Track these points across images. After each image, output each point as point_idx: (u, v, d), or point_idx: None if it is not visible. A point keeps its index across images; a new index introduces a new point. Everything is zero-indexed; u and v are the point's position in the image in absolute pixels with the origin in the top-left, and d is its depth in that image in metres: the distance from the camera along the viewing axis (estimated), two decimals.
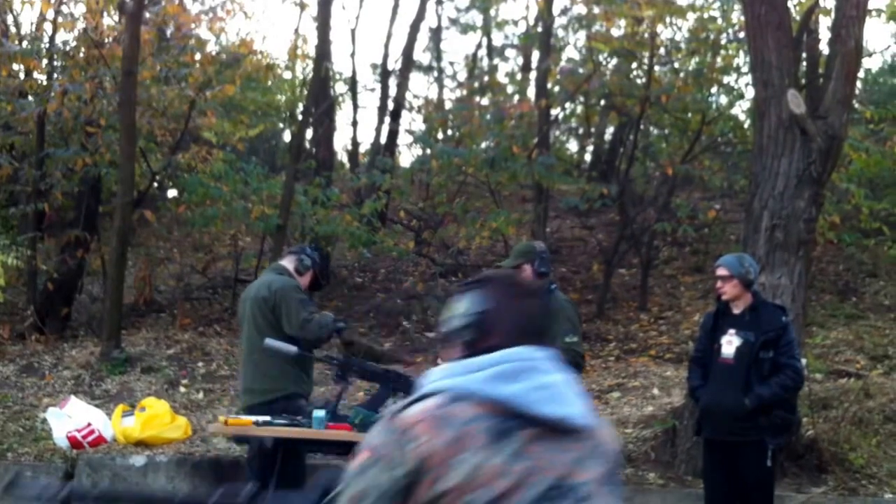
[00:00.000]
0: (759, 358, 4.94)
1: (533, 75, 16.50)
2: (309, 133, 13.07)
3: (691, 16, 11.86)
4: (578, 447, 1.75)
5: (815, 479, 6.41)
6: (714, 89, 12.26)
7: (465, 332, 1.81)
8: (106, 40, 10.21)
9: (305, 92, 13.80)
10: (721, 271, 5.09)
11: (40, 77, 10.71)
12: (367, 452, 1.73)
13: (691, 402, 6.02)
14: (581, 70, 12.63)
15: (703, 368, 5.18)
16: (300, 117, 12.59)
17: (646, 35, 11.33)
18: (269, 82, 14.53)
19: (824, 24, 8.83)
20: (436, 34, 19.09)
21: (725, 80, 12.29)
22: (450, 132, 15.39)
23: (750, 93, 11.01)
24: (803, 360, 5.39)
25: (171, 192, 12.05)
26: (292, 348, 4.91)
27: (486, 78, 18.40)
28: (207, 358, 9.13)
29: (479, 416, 1.68)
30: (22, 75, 10.56)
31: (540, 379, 1.73)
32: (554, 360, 1.79)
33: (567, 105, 14.11)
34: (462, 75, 19.95)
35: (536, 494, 1.68)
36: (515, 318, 1.81)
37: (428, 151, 12.79)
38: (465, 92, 18.48)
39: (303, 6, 14.22)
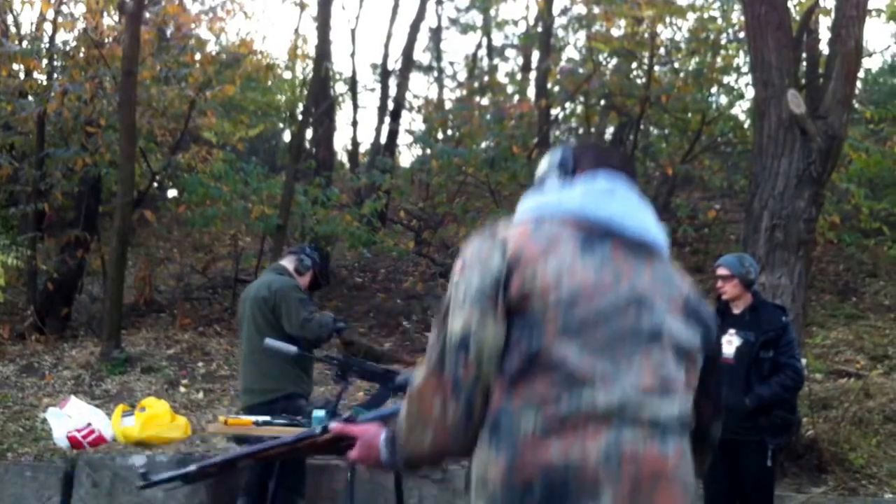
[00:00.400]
0: (759, 358, 4.94)
1: (533, 75, 16.51)
2: (309, 133, 13.07)
3: (691, 16, 11.87)
4: (653, 268, 1.88)
5: (815, 479, 6.41)
6: (714, 89, 12.27)
7: (554, 171, 1.99)
8: (106, 40, 10.20)
9: (305, 92, 13.80)
10: (721, 271, 5.10)
11: (40, 77, 10.71)
12: (462, 266, 1.84)
13: None
14: (581, 70, 12.64)
15: None
16: (300, 117, 12.59)
17: (646, 35, 11.34)
18: (269, 82, 14.54)
19: (824, 24, 8.84)
20: (436, 34, 19.12)
21: (725, 80, 12.31)
22: (450, 132, 15.40)
23: (750, 93, 11.03)
24: (803, 360, 5.39)
25: (171, 192, 12.05)
26: (292, 348, 4.91)
27: (486, 78, 18.41)
28: (207, 358, 9.12)
29: (571, 230, 1.84)
30: (22, 75, 10.56)
31: (624, 199, 1.90)
32: (633, 187, 1.96)
33: (567, 105, 14.12)
34: (462, 75, 19.98)
35: (622, 299, 1.80)
36: (597, 155, 2.01)
37: (428, 151, 12.79)
38: (465, 92, 18.49)
39: (303, 6, 14.23)
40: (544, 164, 2.04)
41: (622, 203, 1.90)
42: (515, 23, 17.91)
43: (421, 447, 1.80)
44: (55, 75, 10.60)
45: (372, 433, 1.96)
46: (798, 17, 8.63)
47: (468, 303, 1.78)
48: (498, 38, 18.94)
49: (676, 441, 1.81)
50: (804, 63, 7.70)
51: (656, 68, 11.93)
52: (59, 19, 10.76)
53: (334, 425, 2.06)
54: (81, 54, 10.33)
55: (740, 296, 5.05)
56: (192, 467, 2.27)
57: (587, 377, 1.74)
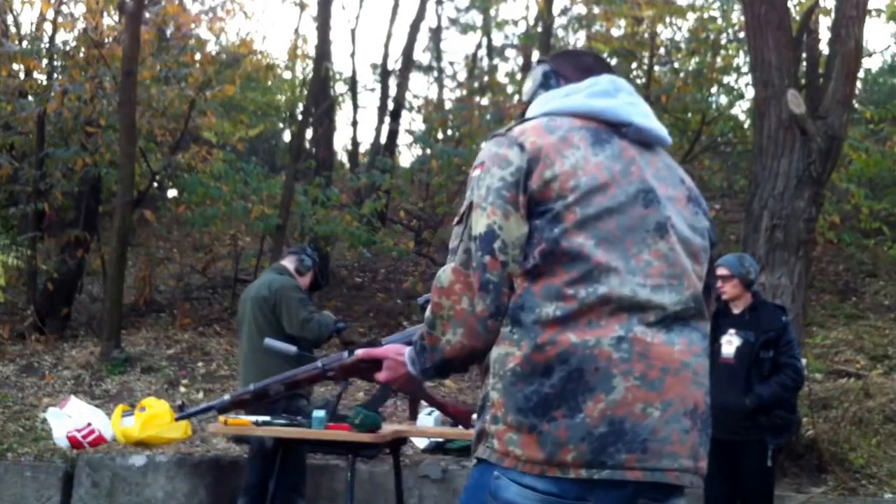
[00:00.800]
0: (759, 358, 4.94)
1: None
2: (309, 133, 13.06)
3: (691, 16, 11.86)
4: (658, 161, 1.97)
5: (815, 479, 6.41)
6: (714, 89, 12.26)
7: (543, 85, 2.07)
8: (106, 40, 10.20)
9: (305, 92, 13.79)
10: (721, 271, 5.09)
11: (40, 77, 10.71)
12: (481, 165, 1.89)
13: None
14: None
15: None
16: (300, 117, 12.59)
17: (646, 35, 11.33)
18: (269, 82, 14.53)
19: (824, 24, 8.82)
20: (436, 34, 19.11)
21: (725, 80, 12.29)
22: (450, 132, 15.39)
23: (750, 93, 11.02)
24: (803, 360, 5.39)
25: (171, 192, 12.05)
26: (292, 348, 4.91)
27: (486, 78, 18.40)
28: (207, 358, 9.12)
29: (581, 126, 1.91)
30: (22, 75, 10.55)
31: (628, 96, 1.99)
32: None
33: None
34: (462, 75, 19.96)
35: (632, 192, 1.86)
36: (578, 63, 2.09)
37: (428, 151, 12.79)
38: (465, 92, 18.48)
39: (303, 6, 14.23)
40: (529, 84, 2.11)
41: (626, 100, 1.98)
42: (515, 23, 17.90)
43: (452, 345, 1.85)
44: (55, 75, 10.60)
45: (395, 351, 2.06)
46: (798, 17, 8.63)
47: (491, 200, 1.82)
48: (498, 38, 18.95)
49: (685, 332, 1.85)
50: (804, 63, 7.69)
51: (656, 68, 11.93)
52: (59, 19, 10.76)
53: (359, 351, 2.18)
54: (81, 54, 10.33)
55: (740, 296, 5.05)
56: (226, 397, 2.41)
57: (603, 268, 1.79)
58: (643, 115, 1.98)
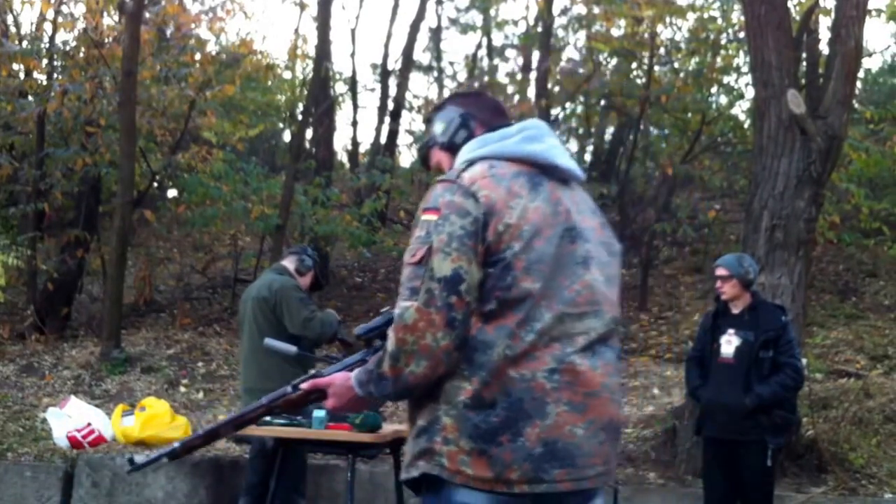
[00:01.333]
0: (759, 358, 4.94)
1: (533, 75, 16.49)
2: (309, 133, 13.06)
3: (691, 16, 11.86)
4: (578, 198, 2.22)
5: (815, 479, 6.41)
6: (714, 89, 12.26)
7: (461, 134, 2.28)
8: (106, 40, 10.20)
9: (305, 92, 13.79)
10: (720, 271, 5.09)
11: (40, 77, 10.71)
12: (437, 211, 2.07)
13: (691, 402, 6.02)
14: (581, 70, 12.64)
15: (700, 368, 5.18)
16: (300, 117, 12.58)
17: (646, 35, 11.33)
18: (269, 82, 14.53)
19: (824, 24, 8.83)
20: (436, 34, 19.10)
21: (725, 80, 12.29)
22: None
23: (750, 93, 11.02)
24: (803, 360, 5.39)
25: (171, 192, 12.04)
26: (292, 348, 4.91)
27: (486, 78, 18.39)
28: (207, 358, 9.12)
29: (519, 172, 2.13)
30: (22, 75, 10.55)
31: (551, 139, 2.22)
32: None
33: (567, 105, 14.11)
34: (462, 75, 19.94)
35: (560, 231, 2.10)
36: (486, 107, 2.33)
37: None
38: None
39: (303, 6, 14.22)
40: (443, 126, 2.31)
41: (551, 143, 2.21)
42: (515, 23, 17.89)
43: (415, 375, 2.02)
44: (55, 75, 10.59)
45: (341, 378, 2.21)
46: (798, 17, 8.63)
47: (455, 246, 2.02)
48: (498, 38, 18.93)
49: (605, 353, 2.14)
50: (804, 63, 7.69)
51: (656, 68, 11.92)
52: (59, 19, 10.76)
53: (304, 385, 2.29)
54: (81, 54, 10.33)
55: (739, 296, 5.05)
56: (176, 444, 2.41)
57: (542, 304, 2.05)
58: (564, 156, 2.21)
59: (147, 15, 9.75)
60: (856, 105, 11.02)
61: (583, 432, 2.05)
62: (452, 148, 2.29)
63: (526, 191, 2.10)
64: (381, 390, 2.09)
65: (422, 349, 2.00)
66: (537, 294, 2.04)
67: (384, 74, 16.29)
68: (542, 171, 2.16)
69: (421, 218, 2.09)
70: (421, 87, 28.41)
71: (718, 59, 11.87)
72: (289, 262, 5.70)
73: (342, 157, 17.44)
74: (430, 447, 2.05)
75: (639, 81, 12.04)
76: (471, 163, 2.16)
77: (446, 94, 20.01)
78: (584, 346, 2.09)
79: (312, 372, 2.39)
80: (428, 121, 2.39)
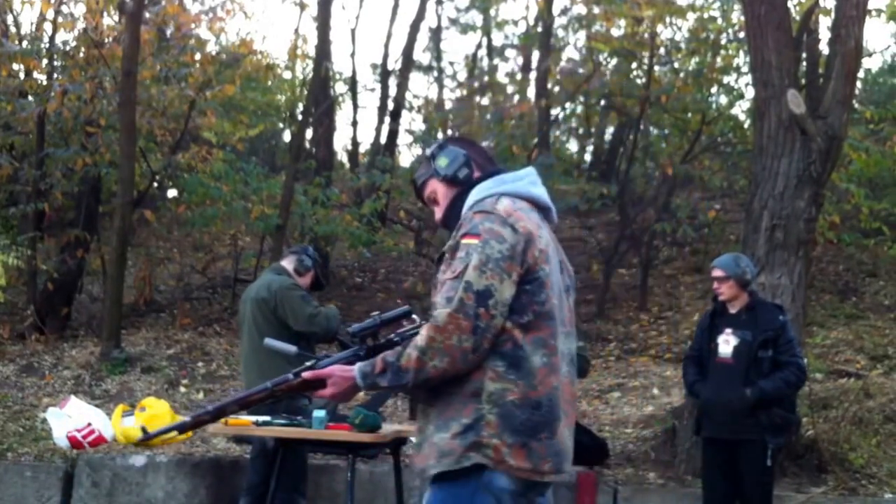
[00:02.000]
0: (757, 357, 4.94)
1: (533, 75, 16.50)
2: (309, 133, 13.06)
3: (691, 16, 11.85)
4: (552, 233, 2.58)
5: (815, 479, 6.41)
6: (714, 89, 12.25)
7: (464, 171, 2.59)
8: (106, 40, 10.19)
9: (305, 92, 13.79)
10: (717, 272, 5.08)
11: (40, 77, 10.70)
12: (478, 236, 2.40)
13: (691, 402, 6.01)
14: (581, 70, 12.63)
15: (697, 367, 5.17)
16: (300, 117, 12.59)
17: (646, 35, 11.32)
18: (269, 82, 14.53)
19: (824, 24, 8.83)
20: (436, 34, 19.11)
21: (725, 80, 12.28)
22: (450, 132, 15.39)
23: (750, 93, 11.01)
24: (803, 360, 5.38)
25: (171, 192, 12.04)
26: (292, 348, 4.89)
27: (486, 78, 18.41)
28: (207, 358, 9.12)
29: (532, 209, 2.53)
30: (22, 75, 10.54)
31: (542, 185, 2.61)
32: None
33: (567, 105, 14.10)
34: (462, 75, 19.97)
35: (556, 262, 2.52)
36: (482, 153, 2.69)
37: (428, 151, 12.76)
38: (465, 92, 18.48)
39: (303, 6, 14.22)
40: (447, 160, 2.60)
41: (542, 188, 2.61)
42: (515, 23, 17.90)
43: (437, 369, 2.35)
44: (55, 75, 10.58)
45: (340, 370, 2.52)
46: (798, 17, 8.63)
47: (491, 266, 2.35)
48: (498, 38, 18.94)
49: (571, 366, 2.53)
50: (804, 63, 7.70)
51: (656, 68, 11.91)
52: (59, 19, 10.75)
53: (306, 374, 2.57)
54: (81, 54, 10.32)
55: (737, 296, 5.05)
56: (187, 418, 2.77)
57: (559, 322, 2.45)
58: (551, 200, 2.61)
59: (147, 15, 9.74)
60: (856, 105, 11.01)
61: (568, 434, 2.48)
62: (454, 182, 2.59)
63: (539, 224, 2.49)
64: (397, 380, 2.39)
65: (446, 348, 2.32)
66: (556, 313, 2.44)
67: (384, 74, 16.29)
68: (539, 210, 2.56)
69: (461, 242, 2.41)
70: (421, 87, 28.47)
71: (718, 59, 11.86)
72: (287, 263, 5.70)
73: (342, 157, 17.45)
74: (477, 440, 2.35)
75: (639, 81, 12.03)
76: (491, 197, 2.50)
77: (446, 94, 20.08)
78: (568, 361, 2.50)
79: (309, 364, 2.61)
80: (429, 157, 2.65)
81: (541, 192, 2.58)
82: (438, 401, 2.42)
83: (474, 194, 2.54)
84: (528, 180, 2.57)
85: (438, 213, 2.66)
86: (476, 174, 2.59)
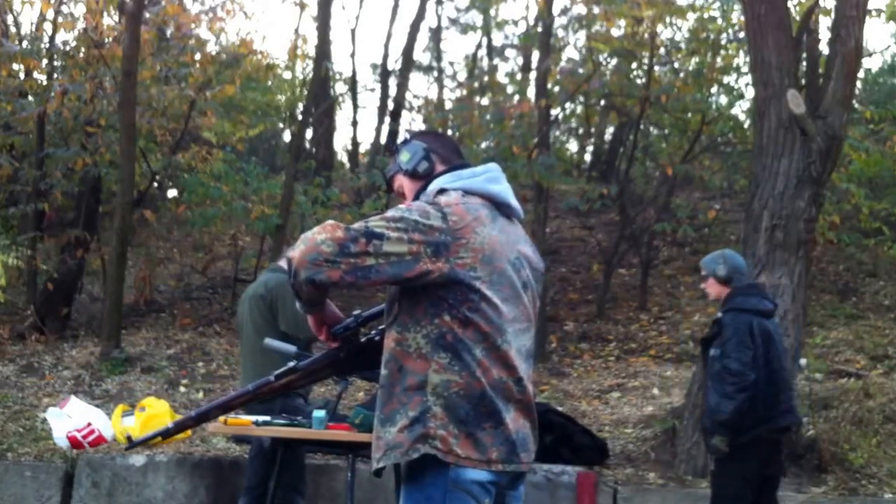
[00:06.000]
0: (711, 357, 4.74)
1: (533, 75, 16.48)
2: (309, 133, 13.08)
3: (691, 16, 11.87)
4: (518, 230, 2.60)
5: (815, 479, 6.41)
6: (714, 89, 12.26)
7: (423, 164, 2.62)
8: (106, 40, 10.19)
9: (305, 92, 13.79)
10: (701, 271, 4.99)
11: (40, 77, 10.70)
12: (408, 204, 2.45)
13: (691, 402, 6.00)
14: (581, 70, 12.60)
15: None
16: (300, 117, 12.59)
17: (646, 35, 11.32)
18: (269, 82, 14.53)
19: (824, 24, 8.83)
20: (436, 34, 19.11)
21: (725, 80, 12.29)
22: (450, 132, 15.38)
23: (750, 93, 11.03)
24: (803, 361, 5.34)
25: (171, 192, 12.04)
26: (292, 348, 4.87)
27: (486, 78, 18.38)
28: (207, 358, 9.12)
29: (483, 205, 2.49)
30: (22, 75, 10.54)
31: (504, 182, 2.60)
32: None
33: (567, 105, 14.09)
34: (462, 75, 19.95)
35: (512, 259, 2.49)
36: (446, 146, 2.70)
37: None
38: (465, 92, 18.45)
39: (303, 6, 14.20)
40: (408, 155, 2.64)
41: (505, 185, 2.60)
42: (515, 23, 17.90)
43: (293, 254, 2.34)
44: (55, 75, 10.59)
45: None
46: (798, 17, 8.63)
47: (398, 224, 2.32)
48: (498, 38, 18.93)
49: (529, 360, 2.53)
50: (804, 63, 7.70)
51: (656, 68, 11.91)
52: (59, 19, 10.76)
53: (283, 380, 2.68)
54: (81, 54, 10.32)
55: (721, 294, 4.87)
56: (170, 424, 2.79)
57: (505, 319, 2.43)
58: (513, 197, 2.60)
59: (147, 15, 9.75)
60: (856, 105, 11.01)
61: (529, 426, 2.50)
62: (415, 176, 2.62)
63: (489, 221, 2.46)
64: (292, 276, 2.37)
65: (309, 239, 2.31)
66: (501, 309, 2.42)
67: (384, 74, 16.30)
68: (497, 207, 2.54)
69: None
70: (421, 87, 28.44)
71: (718, 59, 11.87)
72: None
73: (342, 157, 17.46)
74: (425, 432, 2.36)
75: (639, 81, 12.03)
76: (444, 190, 2.51)
77: (446, 94, 20.07)
78: (525, 356, 2.50)
79: (291, 365, 2.71)
80: (395, 151, 2.69)
81: (499, 188, 2.57)
82: (382, 393, 2.44)
83: (430, 187, 2.57)
84: (485, 177, 2.57)
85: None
86: (439, 167, 2.62)
